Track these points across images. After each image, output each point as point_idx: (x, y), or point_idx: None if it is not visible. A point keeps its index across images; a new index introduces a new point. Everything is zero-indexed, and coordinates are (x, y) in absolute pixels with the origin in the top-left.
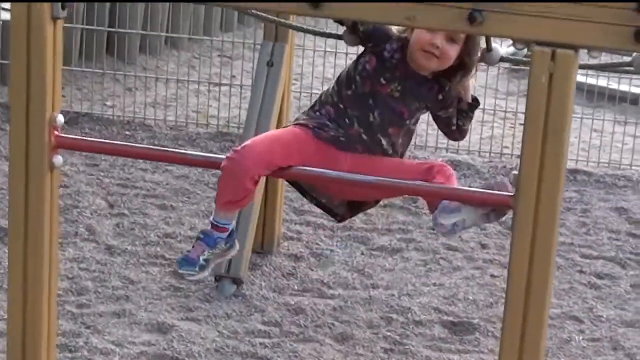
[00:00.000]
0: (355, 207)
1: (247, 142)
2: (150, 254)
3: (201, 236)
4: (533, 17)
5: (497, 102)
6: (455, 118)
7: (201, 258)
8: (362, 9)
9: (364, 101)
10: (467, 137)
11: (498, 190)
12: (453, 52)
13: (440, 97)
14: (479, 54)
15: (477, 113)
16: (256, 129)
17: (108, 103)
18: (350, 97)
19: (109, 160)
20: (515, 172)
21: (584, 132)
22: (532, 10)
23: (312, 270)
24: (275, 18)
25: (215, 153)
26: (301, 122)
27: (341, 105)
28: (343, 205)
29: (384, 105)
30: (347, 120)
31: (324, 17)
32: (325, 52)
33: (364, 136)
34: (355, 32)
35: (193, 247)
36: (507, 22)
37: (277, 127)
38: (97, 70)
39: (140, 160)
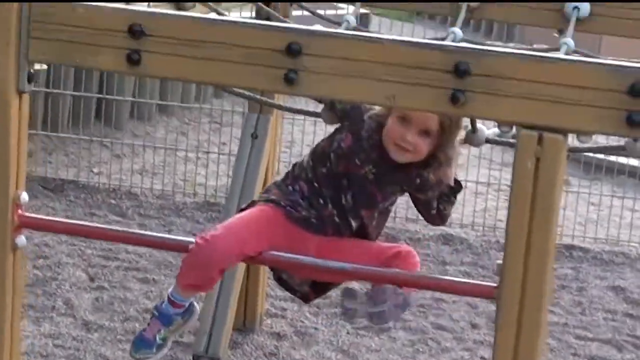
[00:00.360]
0: (321, 287)
1: (217, 230)
2: (128, 330)
3: (156, 313)
4: (519, 99)
5: (492, 173)
6: (435, 201)
7: (158, 337)
8: (339, 87)
9: (338, 181)
10: (460, 210)
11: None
12: (426, 146)
13: (417, 181)
14: (463, 135)
15: (471, 184)
16: (239, 202)
17: (95, 170)
18: (324, 176)
19: None
20: (499, 261)
21: (580, 206)
22: (518, 91)
23: (295, 349)
24: (250, 94)
25: (201, 224)
26: (273, 198)
27: (315, 184)
28: (306, 284)
29: (357, 186)
30: (321, 200)
31: (299, 95)
32: (316, 121)
33: (337, 218)
34: (333, 110)
35: (148, 324)
36: (491, 103)
37: None
38: (84, 137)
39: None
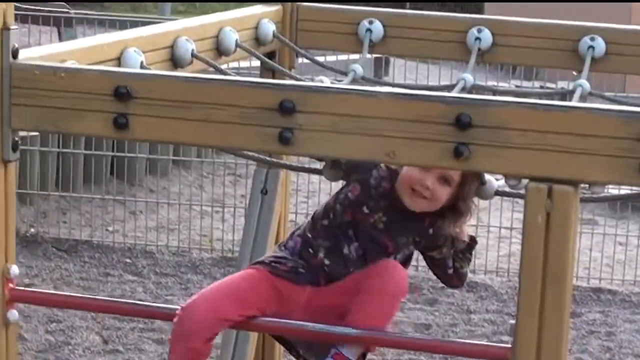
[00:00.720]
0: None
1: (194, 297)
2: None
3: None
4: (526, 150)
5: (515, 216)
6: (451, 260)
7: None
8: (336, 144)
9: (342, 231)
10: (484, 255)
11: None
12: (445, 194)
13: (430, 231)
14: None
15: (494, 229)
16: (251, 258)
17: (110, 228)
18: (324, 228)
19: (107, 291)
20: (513, 321)
21: (607, 246)
22: (524, 142)
23: None
24: (254, 154)
25: (219, 279)
26: (259, 260)
27: (309, 235)
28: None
29: (366, 236)
30: (311, 250)
31: (296, 155)
32: None
33: (327, 268)
34: (335, 167)
35: None
36: (496, 156)
37: None
38: (97, 196)
39: (140, 290)
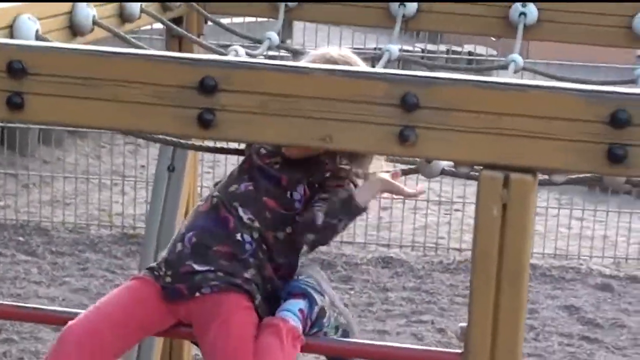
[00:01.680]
0: None
1: (70, 324)
2: None
3: None
4: (480, 135)
5: (431, 186)
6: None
7: None
8: (264, 129)
9: (238, 177)
10: (398, 228)
11: None
12: None
13: (327, 173)
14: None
15: (408, 200)
16: (158, 238)
17: (1, 203)
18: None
19: None
20: (463, 324)
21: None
22: (478, 125)
23: None
24: (161, 137)
25: (119, 259)
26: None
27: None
28: None
29: (259, 173)
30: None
31: (218, 140)
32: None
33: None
34: None
35: None
36: (447, 141)
37: None
38: None
39: (35, 272)
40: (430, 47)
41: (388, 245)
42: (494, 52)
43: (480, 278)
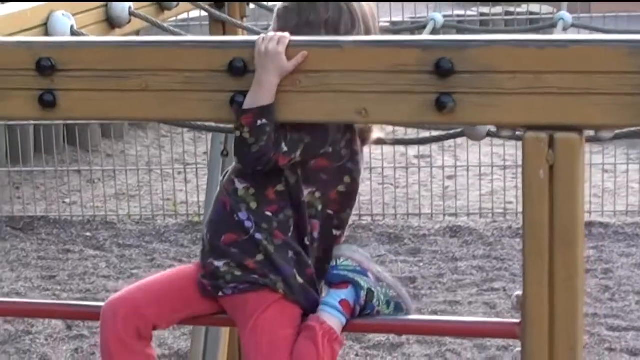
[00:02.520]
0: None
1: (118, 294)
2: None
3: None
4: (520, 95)
5: (494, 150)
6: None
7: None
8: (299, 107)
9: None
10: (465, 196)
11: None
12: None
13: None
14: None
15: (473, 168)
16: None
17: (67, 200)
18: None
19: (68, 270)
20: (519, 292)
21: (593, 176)
22: (516, 86)
23: None
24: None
25: (186, 247)
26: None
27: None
28: None
29: None
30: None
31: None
32: None
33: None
34: None
35: None
36: (486, 105)
37: None
38: (49, 168)
39: (103, 266)
40: (483, 9)
41: (455, 215)
42: (551, 9)
43: (532, 245)
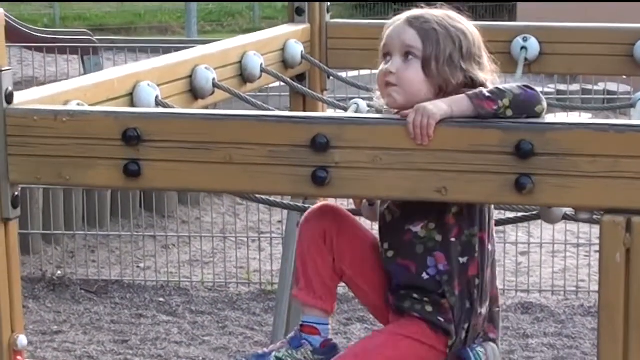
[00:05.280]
0: None
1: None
2: None
3: (286, 339)
4: (599, 179)
5: (568, 227)
6: None
7: (274, 354)
8: (378, 184)
9: None
10: (537, 272)
11: None
12: (413, 70)
13: None
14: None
15: (547, 245)
16: (289, 298)
17: (141, 265)
18: None
19: (140, 334)
20: None
21: None
22: (595, 169)
23: None
24: (286, 202)
25: (258, 315)
26: None
27: None
28: None
29: None
30: None
31: (332, 197)
32: None
33: None
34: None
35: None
36: (564, 187)
37: None
38: (125, 233)
39: (175, 332)
40: (560, 87)
41: (527, 291)
42: (628, 88)
43: (607, 328)
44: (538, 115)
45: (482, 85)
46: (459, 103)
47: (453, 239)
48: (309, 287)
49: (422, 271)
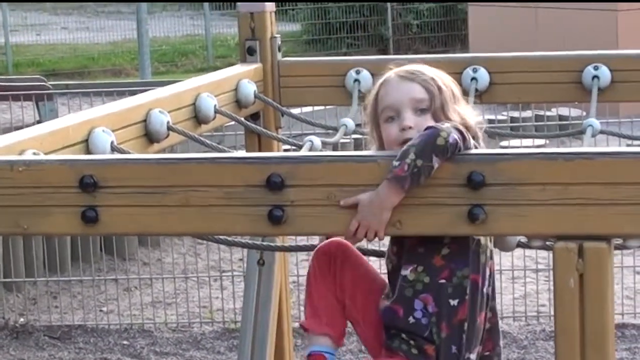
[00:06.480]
0: None
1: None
2: None
3: None
4: (550, 206)
5: (527, 253)
6: None
7: None
8: (333, 221)
9: None
10: (498, 299)
11: None
12: (428, 120)
13: None
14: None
15: (506, 271)
16: (253, 336)
17: (104, 309)
18: None
19: None
20: None
21: (625, 278)
22: (546, 197)
23: None
24: (247, 242)
25: (222, 354)
26: None
27: None
28: None
29: None
30: None
31: (288, 235)
32: None
33: None
34: None
35: None
36: (517, 216)
37: (278, 331)
38: (86, 278)
39: None
40: (513, 114)
41: None
42: (581, 112)
43: (564, 351)
44: (445, 145)
45: (469, 126)
46: (386, 192)
47: (443, 281)
48: (315, 315)
49: (408, 315)
